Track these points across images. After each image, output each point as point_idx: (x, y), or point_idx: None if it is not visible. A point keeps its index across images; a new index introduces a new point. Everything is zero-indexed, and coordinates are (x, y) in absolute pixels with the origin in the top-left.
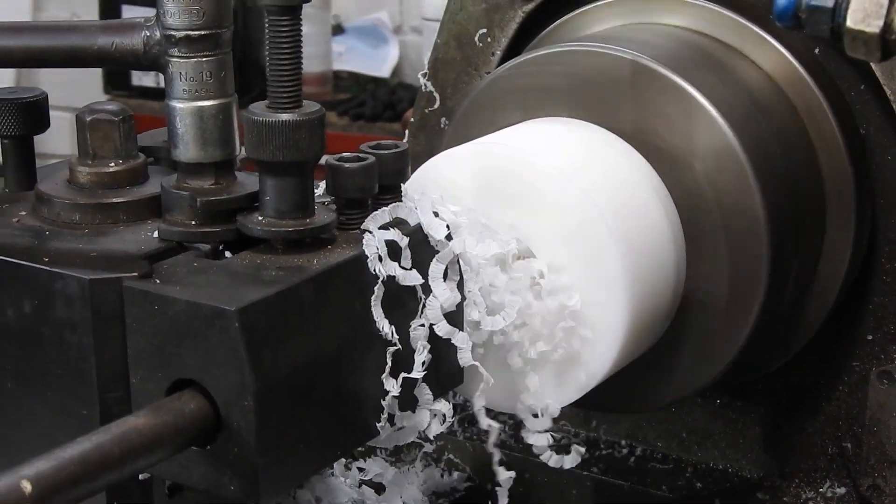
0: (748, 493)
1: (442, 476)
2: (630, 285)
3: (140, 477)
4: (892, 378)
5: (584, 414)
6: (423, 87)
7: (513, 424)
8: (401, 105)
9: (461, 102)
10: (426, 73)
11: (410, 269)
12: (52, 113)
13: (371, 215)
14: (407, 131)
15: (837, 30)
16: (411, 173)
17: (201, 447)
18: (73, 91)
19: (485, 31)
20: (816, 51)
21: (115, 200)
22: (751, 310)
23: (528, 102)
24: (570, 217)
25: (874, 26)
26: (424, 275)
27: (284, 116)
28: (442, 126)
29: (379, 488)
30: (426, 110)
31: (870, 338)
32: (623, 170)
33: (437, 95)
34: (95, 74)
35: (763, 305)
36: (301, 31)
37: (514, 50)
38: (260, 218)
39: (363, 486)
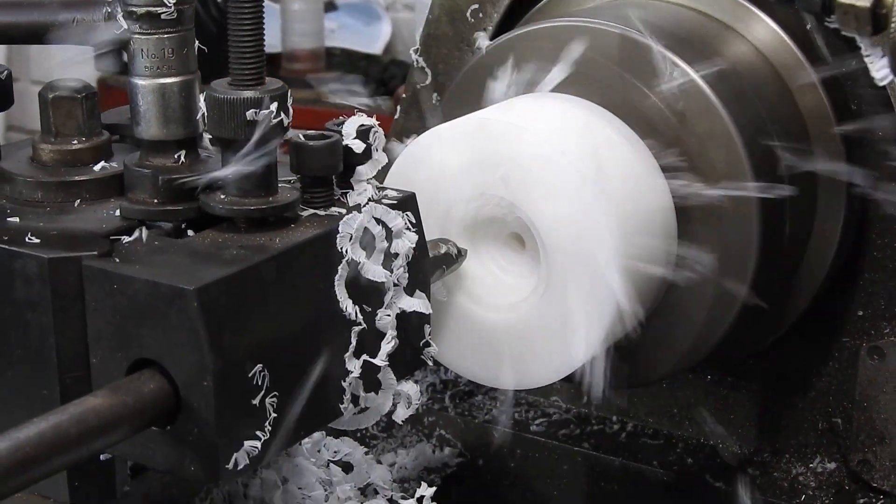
0: (738, 469)
1: (433, 452)
2: (620, 254)
3: (101, 457)
4: (883, 354)
5: (574, 390)
6: (414, 63)
7: (503, 400)
8: (393, 82)
9: (453, 78)
10: (418, 49)
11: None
12: (32, 88)
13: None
14: (399, 107)
15: (829, 4)
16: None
17: (161, 427)
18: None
19: (476, 6)
20: (808, 26)
21: (77, 178)
22: (742, 285)
23: (519, 78)
24: (556, 185)
25: (864, 0)
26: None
27: (247, 94)
28: (434, 102)
29: (347, 467)
30: (418, 86)
31: (860, 314)
32: (612, 142)
33: (428, 71)
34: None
35: (754, 281)
36: (263, 6)
37: (505, 25)
38: (222, 196)
39: (331, 465)
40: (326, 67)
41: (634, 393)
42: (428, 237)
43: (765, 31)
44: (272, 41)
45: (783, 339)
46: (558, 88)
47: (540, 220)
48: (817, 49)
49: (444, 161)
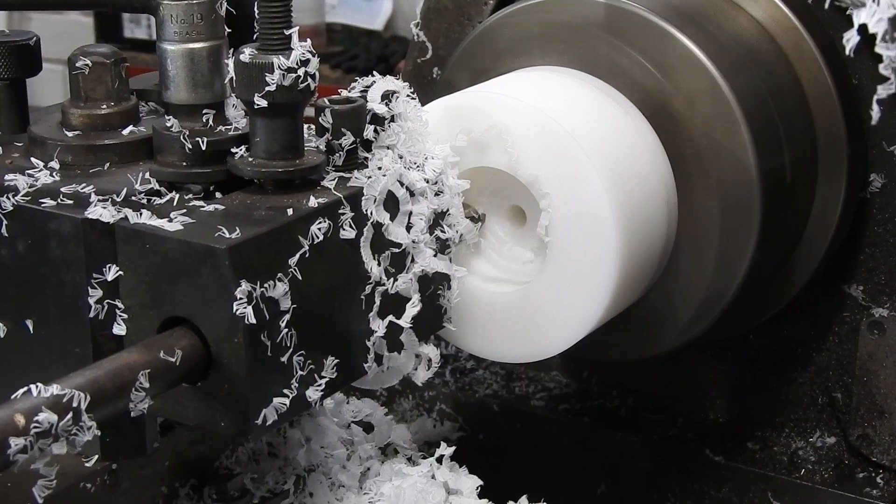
0: (739, 443)
1: (434, 426)
2: (621, 228)
3: (132, 414)
4: (883, 329)
5: (575, 364)
6: (415, 37)
7: (504, 375)
8: (394, 58)
9: (453, 52)
10: (418, 23)
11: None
12: (43, 65)
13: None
14: None
15: None
16: None
17: (193, 384)
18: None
19: None
20: (809, 0)
21: (107, 142)
22: (742, 258)
23: (519, 51)
24: (552, 152)
25: None
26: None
27: (274, 58)
28: (434, 76)
29: (368, 427)
30: (418, 60)
31: (860, 288)
32: (611, 114)
33: (429, 45)
34: (87, 26)
35: (755, 254)
36: None
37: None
38: (250, 159)
39: (352, 425)
40: (327, 43)
41: (635, 367)
42: None
43: (765, 3)
44: None
45: (783, 314)
46: (559, 62)
47: (538, 190)
48: (819, 23)
49: (441, 136)
